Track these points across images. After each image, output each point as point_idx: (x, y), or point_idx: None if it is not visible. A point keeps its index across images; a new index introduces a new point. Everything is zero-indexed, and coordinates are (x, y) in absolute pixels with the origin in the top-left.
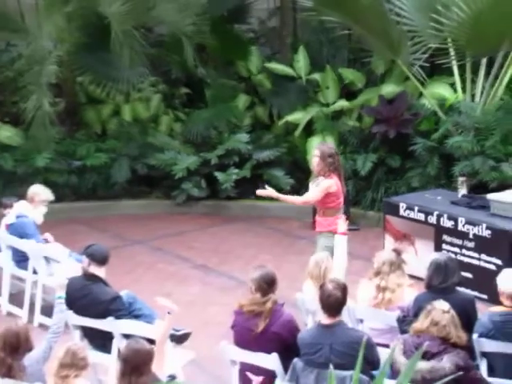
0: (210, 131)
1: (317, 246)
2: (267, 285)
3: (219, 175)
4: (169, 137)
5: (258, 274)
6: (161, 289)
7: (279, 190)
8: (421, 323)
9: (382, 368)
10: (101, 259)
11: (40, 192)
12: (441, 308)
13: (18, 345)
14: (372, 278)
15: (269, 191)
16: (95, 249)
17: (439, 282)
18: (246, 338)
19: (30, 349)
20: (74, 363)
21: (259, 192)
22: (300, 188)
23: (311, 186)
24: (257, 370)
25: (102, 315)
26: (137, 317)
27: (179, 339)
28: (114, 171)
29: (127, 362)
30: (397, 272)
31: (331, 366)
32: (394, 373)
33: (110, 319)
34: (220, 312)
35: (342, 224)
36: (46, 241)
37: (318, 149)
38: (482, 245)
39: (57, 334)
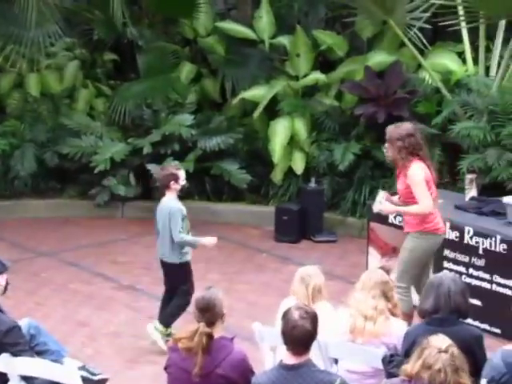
0: (142, 110)
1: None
2: (200, 311)
3: (153, 168)
4: (88, 117)
5: (194, 297)
6: (74, 316)
7: (232, 187)
8: (412, 365)
9: None
10: None
11: None
12: (437, 346)
13: None
14: (350, 304)
15: (387, 206)
16: None
17: (434, 310)
18: (183, 383)
19: None
20: None
21: (378, 209)
22: (260, 185)
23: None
24: None
25: None
26: (40, 353)
27: None
28: (15, 162)
29: None
30: (382, 297)
31: None
32: None
33: (5, 356)
34: (152, 347)
35: None
36: None
37: (386, 133)
38: (494, 263)
39: None
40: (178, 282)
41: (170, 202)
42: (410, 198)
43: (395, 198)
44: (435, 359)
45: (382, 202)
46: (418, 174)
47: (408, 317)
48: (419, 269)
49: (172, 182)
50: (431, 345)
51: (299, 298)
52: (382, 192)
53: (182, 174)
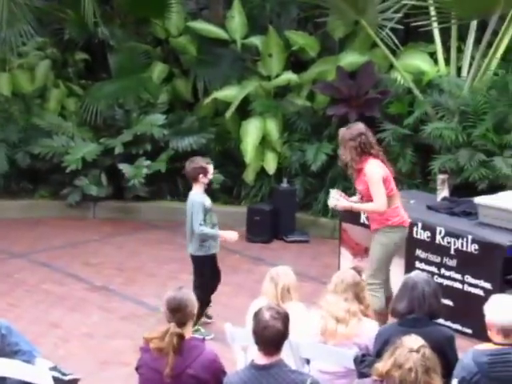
0: (114, 110)
1: (371, 246)
2: (171, 312)
3: (125, 168)
4: (59, 117)
5: (165, 297)
6: (46, 317)
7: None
8: (383, 364)
9: None
10: None
11: None
12: (408, 346)
13: None
14: (321, 306)
15: (343, 202)
16: None
17: (407, 311)
18: (154, 383)
19: None
20: None
21: (333, 204)
22: (232, 186)
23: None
24: None
25: None
26: (12, 353)
27: None
28: None
29: None
30: (355, 299)
31: None
32: None
33: None
34: (124, 348)
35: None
36: None
37: (339, 135)
38: (466, 263)
39: None
40: (195, 273)
41: (194, 195)
42: (368, 194)
43: (354, 198)
44: (406, 358)
45: (338, 199)
46: (375, 172)
47: (381, 315)
48: (390, 263)
49: (201, 176)
50: (403, 344)
51: (269, 298)
52: (333, 190)
53: (210, 168)
